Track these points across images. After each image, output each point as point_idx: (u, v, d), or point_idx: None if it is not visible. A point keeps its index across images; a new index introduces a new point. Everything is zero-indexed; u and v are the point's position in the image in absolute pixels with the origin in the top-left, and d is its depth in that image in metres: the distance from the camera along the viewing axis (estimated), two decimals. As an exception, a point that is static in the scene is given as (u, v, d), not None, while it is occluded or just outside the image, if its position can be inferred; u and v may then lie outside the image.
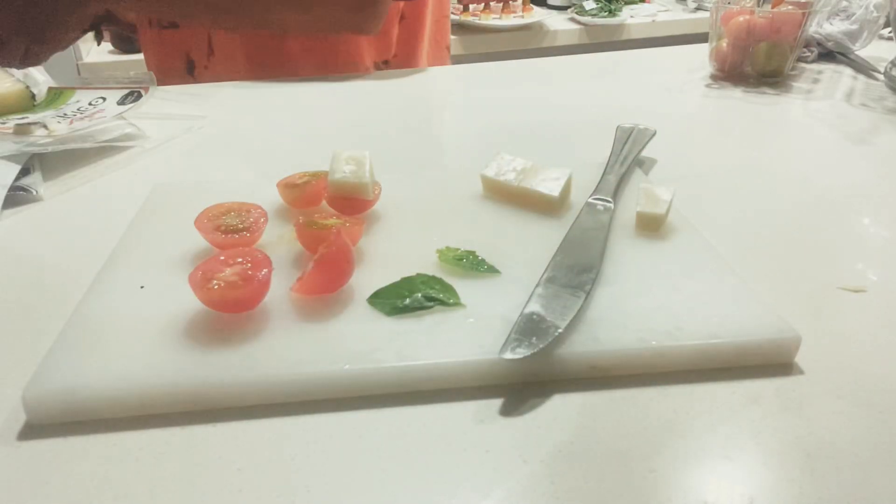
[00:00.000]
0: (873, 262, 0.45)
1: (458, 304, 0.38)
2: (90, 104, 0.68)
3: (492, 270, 0.41)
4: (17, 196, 0.53)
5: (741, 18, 0.83)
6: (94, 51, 1.74)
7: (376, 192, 0.48)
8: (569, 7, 2.21)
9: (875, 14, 0.91)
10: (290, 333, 0.36)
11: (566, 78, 0.88)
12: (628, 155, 0.55)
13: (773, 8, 0.82)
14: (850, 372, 0.35)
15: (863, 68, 0.90)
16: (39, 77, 0.74)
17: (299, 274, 0.39)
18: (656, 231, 0.45)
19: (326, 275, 0.38)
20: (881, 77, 0.86)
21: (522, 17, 2.05)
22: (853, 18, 0.92)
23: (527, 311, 0.36)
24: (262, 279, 0.37)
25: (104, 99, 0.69)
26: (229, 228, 0.42)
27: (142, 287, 0.39)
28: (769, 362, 0.36)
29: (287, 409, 0.33)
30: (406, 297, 0.38)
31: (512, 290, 0.39)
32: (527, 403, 0.33)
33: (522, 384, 0.34)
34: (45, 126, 0.63)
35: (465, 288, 0.39)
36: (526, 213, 0.48)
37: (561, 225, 0.46)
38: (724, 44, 0.85)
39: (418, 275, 0.40)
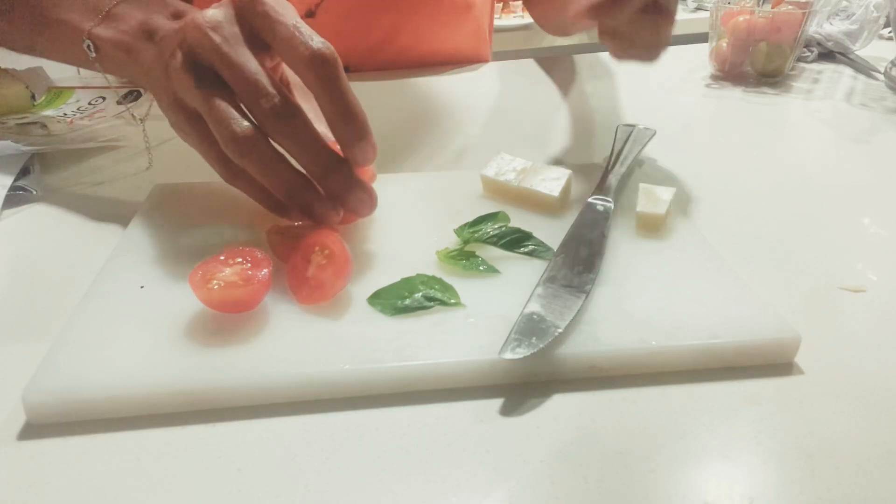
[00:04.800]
0: (873, 262, 0.45)
1: (458, 304, 0.38)
2: (90, 104, 0.68)
3: (491, 270, 0.41)
4: (17, 196, 0.53)
5: (741, 18, 0.83)
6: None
7: None
8: (569, 7, 2.21)
9: (875, 14, 0.91)
10: (290, 333, 0.36)
11: (566, 78, 0.88)
12: (628, 155, 0.55)
13: (773, 8, 0.82)
14: (850, 372, 0.35)
15: (863, 68, 0.90)
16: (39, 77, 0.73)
17: (287, 280, 0.39)
18: (656, 231, 0.45)
19: (330, 283, 0.37)
20: (881, 77, 0.85)
21: (522, 17, 2.05)
22: (853, 18, 0.92)
23: (527, 311, 0.36)
24: (262, 279, 0.37)
25: (104, 98, 0.69)
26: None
27: (142, 287, 0.39)
28: (769, 362, 0.36)
29: (287, 409, 0.33)
30: (406, 298, 0.38)
31: (512, 290, 0.39)
32: (527, 403, 0.33)
33: (522, 384, 0.34)
34: (45, 126, 0.63)
35: (465, 288, 0.39)
36: (526, 212, 0.48)
37: (561, 225, 0.46)
38: (724, 44, 0.85)
39: (418, 275, 0.40)
